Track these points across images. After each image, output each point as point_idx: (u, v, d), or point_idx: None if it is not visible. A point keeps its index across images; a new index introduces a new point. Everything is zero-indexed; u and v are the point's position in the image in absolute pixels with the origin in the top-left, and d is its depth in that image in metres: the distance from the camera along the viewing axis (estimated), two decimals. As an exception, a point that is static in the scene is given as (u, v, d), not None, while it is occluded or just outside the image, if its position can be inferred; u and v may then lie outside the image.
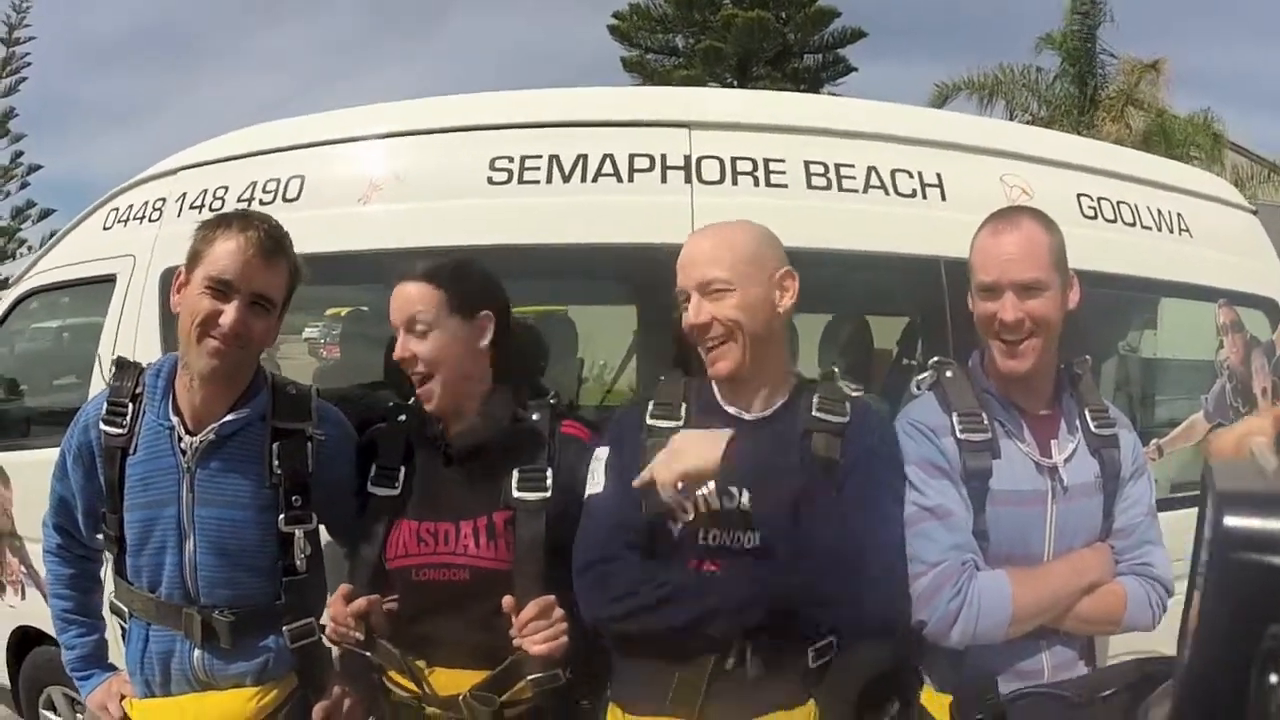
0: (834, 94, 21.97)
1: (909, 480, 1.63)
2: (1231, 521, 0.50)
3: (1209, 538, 0.54)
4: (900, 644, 1.69)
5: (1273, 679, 0.47)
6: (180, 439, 1.62)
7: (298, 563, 1.67)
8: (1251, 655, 0.48)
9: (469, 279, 1.70)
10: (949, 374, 1.72)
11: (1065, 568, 1.62)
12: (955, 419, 1.64)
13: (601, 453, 1.60)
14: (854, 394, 1.65)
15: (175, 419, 1.63)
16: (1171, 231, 2.74)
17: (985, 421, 1.64)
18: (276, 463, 1.65)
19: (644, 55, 21.69)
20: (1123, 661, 1.72)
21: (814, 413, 1.57)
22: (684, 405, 1.61)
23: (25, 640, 3.01)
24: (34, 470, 2.73)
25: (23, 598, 2.98)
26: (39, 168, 24.57)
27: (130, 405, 1.66)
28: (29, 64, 23.57)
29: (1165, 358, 3.10)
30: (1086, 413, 1.71)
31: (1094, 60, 15.77)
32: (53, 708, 3.05)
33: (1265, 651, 0.47)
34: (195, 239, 1.61)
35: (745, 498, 1.53)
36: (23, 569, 2.96)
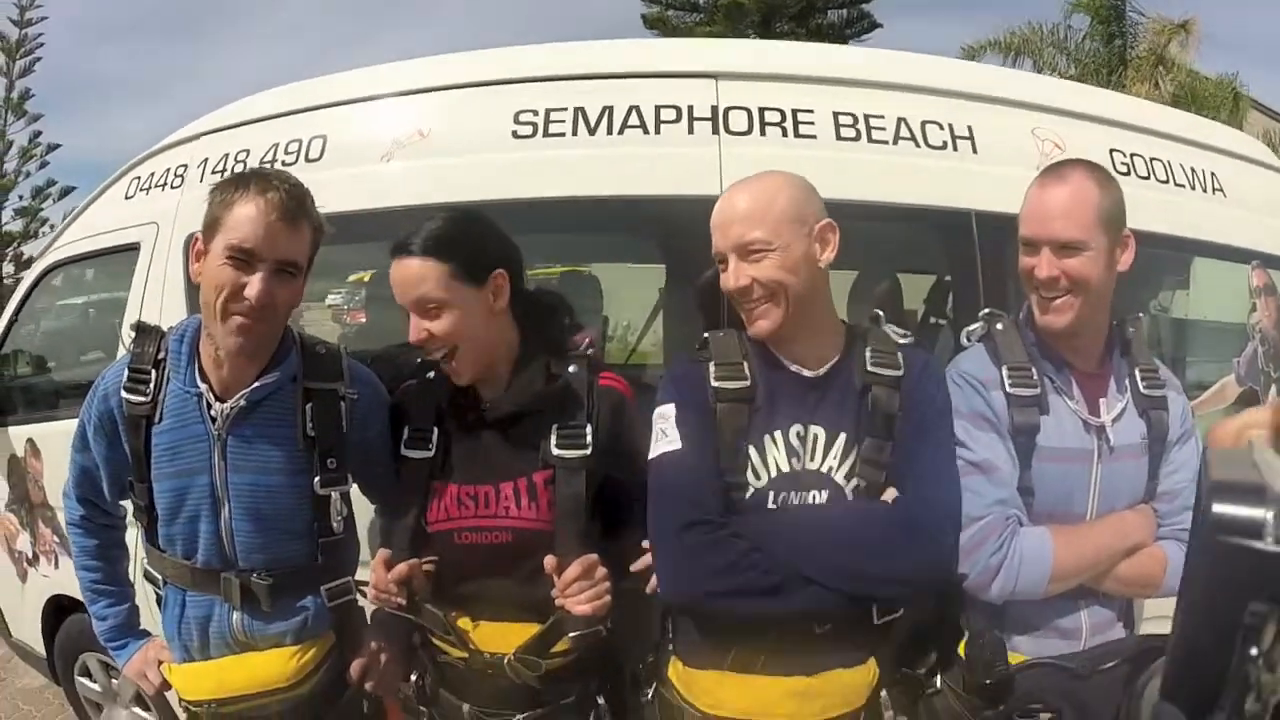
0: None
1: (955, 434, 1.61)
2: (1218, 508, 0.55)
3: (1198, 522, 0.60)
4: (945, 596, 1.69)
5: (1253, 651, 0.52)
6: (210, 406, 1.58)
7: (334, 524, 1.66)
8: (1234, 630, 0.53)
9: (472, 241, 1.62)
10: (999, 326, 1.68)
11: (1108, 528, 1.61)
12: (1005, 372, 1.61)
13: (668, 410, 1.54)
14: (903, 342, 1.61)
15: (203, 386, 1.59)
16: (1205, 190, 2.68)
17: (1035, 376, 1.61)
18: (310, 424, 1.62)
19: (665, 11, 21.25)
20: (1125, 636, 1.71)
21: (869, 368, 1.54)
22: (745, 364, 1.56)
23: (60, 609, 3.05)
24: (64, 440, 2.83)
25: (56, 567, 3.02)
26: (58, 146, 24.67)
27: (153, 372, 1.61)
28: (42, 44, 23.67)
29: (1196, 319, 3.04)
30: (1137, 372, 1.67)
31: (1123, 19, 15.49)
32: (88, 674, 3.10)
33: (1246, 626, 0.53)
34: (212, 203, 1.54)
35: (815, 455, 1.53)
36: (55, 538, 2.98)
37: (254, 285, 1.48)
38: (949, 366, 1.70)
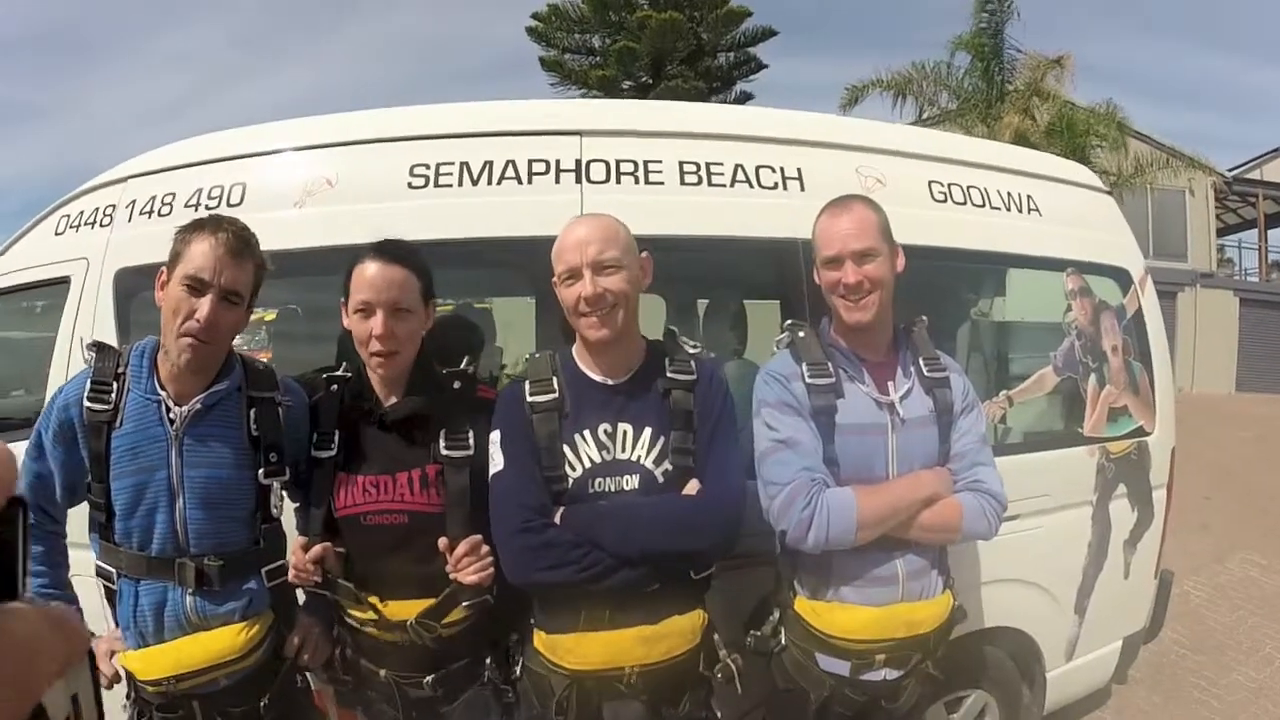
0: (746, 90, 22.31)
1: (764, 420, 1.97)
2: None
3: None
4: (773, 563, 2.05)
5: None
6: (169, 410, 1.85)
7: (273, 511, 1.95)
8: None
9: (429, 270, 1.97)
10: (801, 334, 2.08)
11: (904, 482, 1.96)
12: (805, 367, 2.00)
13: (495, 435, 1.89)
14: (694, 352, 1.98)
15: (162, 393, 1.86)
16: (1021, 211, 3.08)
17: (830, 369, 1.99)
18: (254, 426, 1.91)
19: (561, 55, 21.82)
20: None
21: (669, 373, 1.91)
22: (554, 380, 1.92)
23: None
24: None
25: None
26: None
27: (114, 384, 1.86)
28: None
29: (1014, 320, 3.45)
30: (920, 360, 2.07)
31: (1001, 56, 16.36)
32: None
33: None
34: (175, 241, 1.84)
35: (625, 447, 1.87)
36: None
37: (203, 308, 1.78)
38: (762, 368, 2.08)
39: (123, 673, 1.90)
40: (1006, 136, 14.11)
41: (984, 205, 2.98)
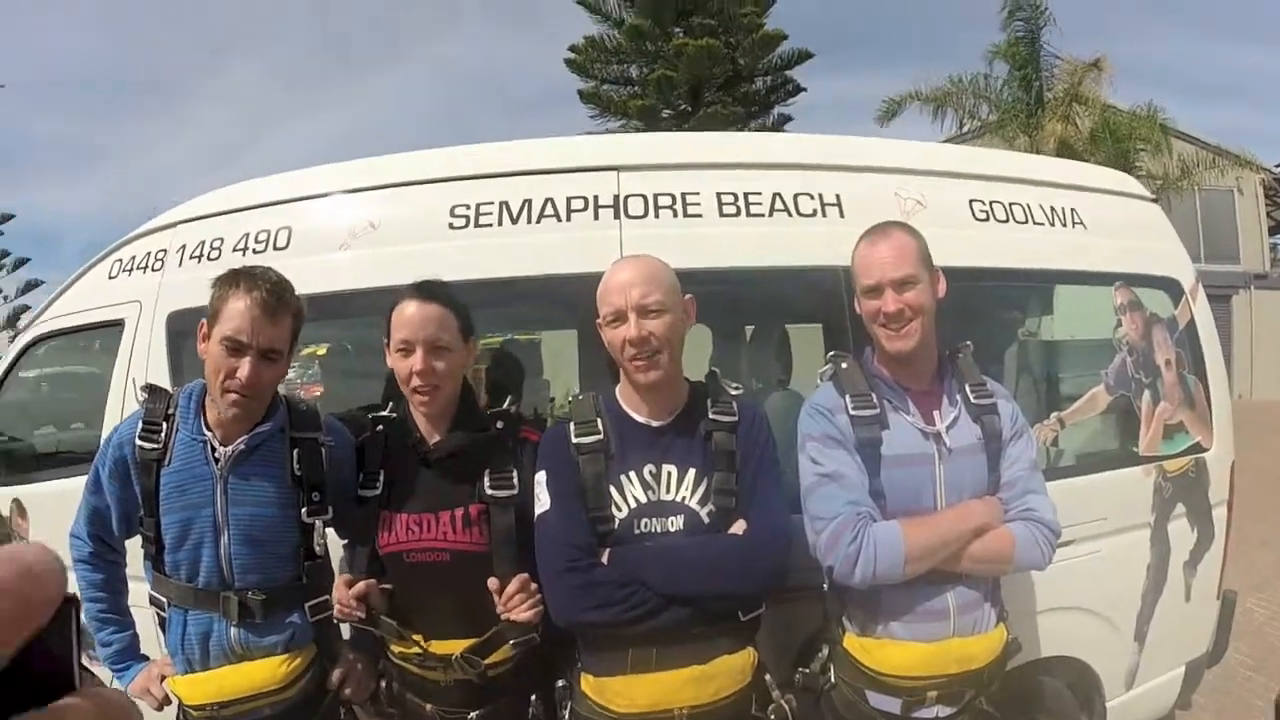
0: (785, 114, 22.26)
1: (809, 454, 1.96)
2: None
3: None
4: (821, 598, 2.03)
5: None
6: (214, 450, 1.92)
7: (316, 548, 1.99)
8: None
9: (466, 308, 2.01)
10: (844, 365, 2.06)
11: (952, 513, 1.93)
12: (848, 399, 1.98)
13: (540, 476, 1.90)
14: (736, 393, 1.98)
15: (209, 434, 1.93)
16: (1065, 225, 3.00)
17: (874, 400, 1.97)
18: (297, 465, 1.96)
19: (599, 86, 21.95)
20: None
21: (711, 415, 1.91)
22: (599, 421, 1.93)
23: None
24: (49, 500, 3.04)
25: None
26: (11, 217, 24.51)
27: (164, 424, 1.94)
28: None
29: (1063, 339, 3.36)
30: (966, 387, 2.03)
31: (1038, 64, 16.17)
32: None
33: None
34: (212, 296, 1.91)
35: (670, 488, 1.87)
36: None
37: (244, 369, 1.85)
38: (806, 401, 2.06)
39: (173, 696, 1.96)
40: (1051, 145, 13.89)
41: (1027, 221, 2.93)
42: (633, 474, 1.87)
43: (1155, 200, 3.53)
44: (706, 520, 1.85)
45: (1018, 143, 15.40)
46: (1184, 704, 3.28)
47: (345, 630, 2.08)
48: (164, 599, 1.97)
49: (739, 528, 1.84)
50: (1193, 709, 3.64)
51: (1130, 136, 14.98)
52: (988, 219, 2.85)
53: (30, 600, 0.42)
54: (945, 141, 17.31)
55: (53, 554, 0.44)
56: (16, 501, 3.24)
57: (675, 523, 1.85)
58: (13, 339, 3.59)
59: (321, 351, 3.75)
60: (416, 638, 1.91)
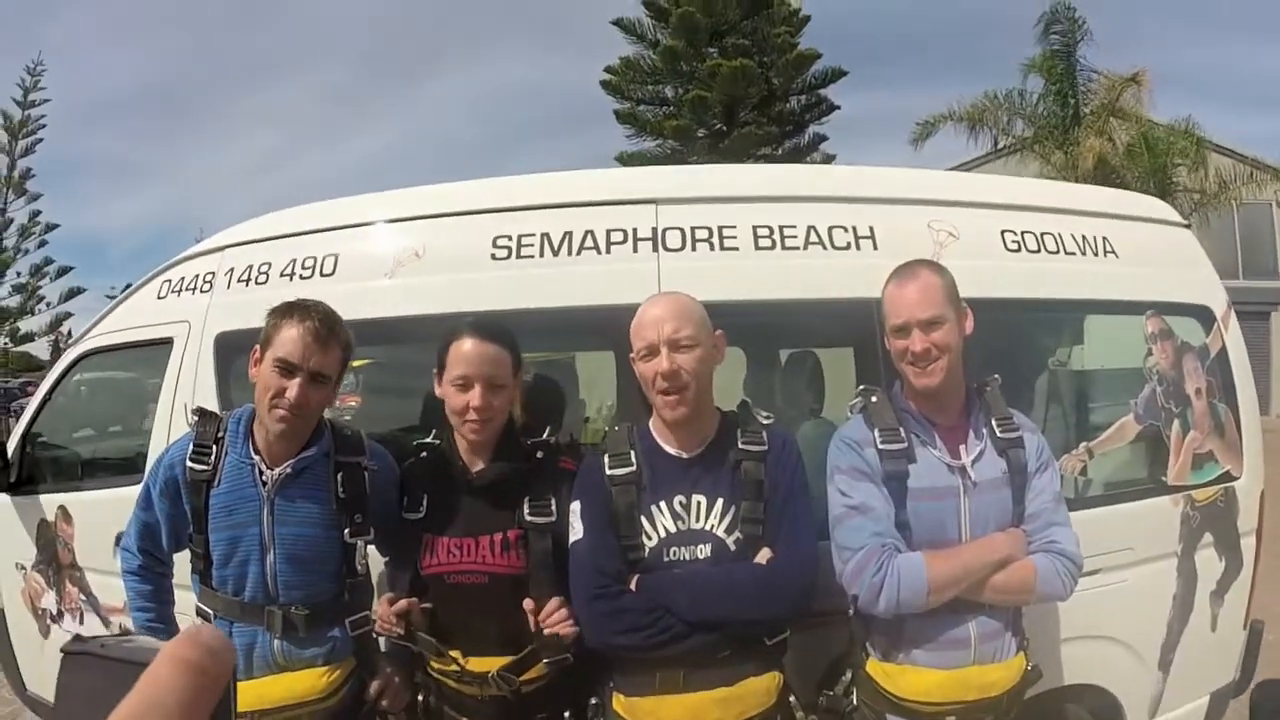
0: (819, 133, 22.27)
1: (838, 486, 2.02)
2: None
3: None
4: (846, 623, 2.09)
5: None
6: (261, 473, 2.02)
7: (358, 567, 2.09)
8: None
9: (518, 346, 2.10)
10: (874, 399, 2.12)
11: (977, 546, 1.98)
12: (877, 434, 2.04)
13: (575, 506, 1.99)
14: (767, 423, 2.05)
15: (257, 457, 2.03)
16: (1096, 254, 3.00)
17: (903, 434, 2.03)
18: (341, 489, 2.06)
19: (635, 107, 22.11)
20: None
21: (741, 445, 1.98)
22: (632, 453, 2.01)
23: None
24: (93, 508, 3.16)
25: (81, 623, 3.34)
26: (56, 226, 24.97)
27: (214, 446, 2.05)
28: (45, 124, 24.07)
29: (1093, 368, 3.37)
30: (993, 421, 2.08)
31: (1075, 78, 16.03)
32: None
33: None
34: (266, 325, 2.02)
35: (699, 517, 1.94)
36: (82, 596, 3.32)
37: (293, 389, 1.96)
38: (835, 434, 2.12)
39: None
40: (1090, 161, 13.72)
41: (1058, 251, 2.94)
42: (663, 504, 1.95)
43: (1188, 225, 3.50)
44: (733, 548, 1.92)
45: (1054, 159, 15.25)
46: (1210, 732, 3.28)
47: (383, 644, 2.16)
48: (210, 611, 2.07)
49: (764, 555, 1.91)
50: (1219, 737, 3.62)
51: (1168, 151, 14.77)
52: (1019, 249, 2.87)
53: (218, 678, 0.49)
54: (980, 159, 17.19)
55: (224, 635, 0.53)
56: (62, 508, 3.37)
57: (703, 550, 1.92)
58: (55, 343, 3.73)
59: (360, 364, 3.86)
60: (454, 654, 1.99)
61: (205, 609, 2.08)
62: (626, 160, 20.72)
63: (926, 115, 16.55)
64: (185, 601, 2.20)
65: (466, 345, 2.01)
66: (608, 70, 22.22)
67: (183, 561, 2.16)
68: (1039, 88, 16.33)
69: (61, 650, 0.59)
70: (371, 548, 2.18)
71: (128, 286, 3.74)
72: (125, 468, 3.29)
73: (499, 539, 2.01)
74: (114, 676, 0.51)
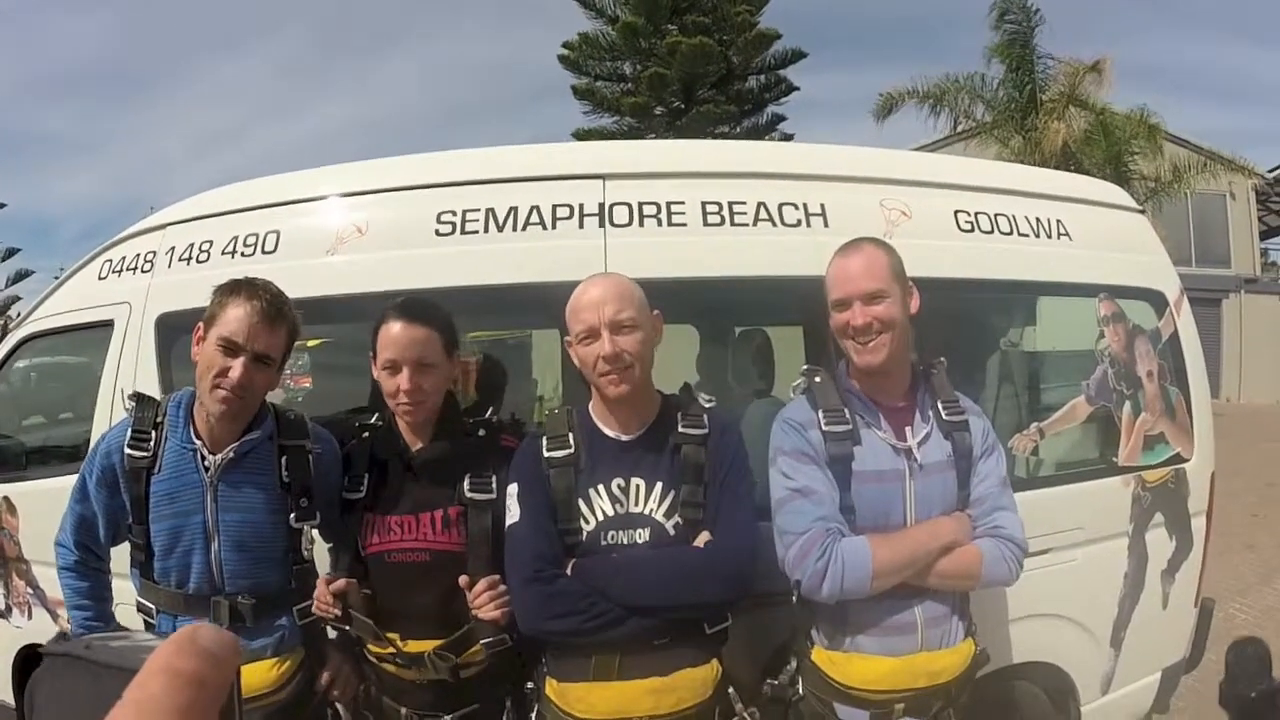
0: (778, 113, 22.31)
1: (780, 468, 1.98)
2: None
3: None
4: (791, 611, 2.05)
5: None
6: (204, 458, 1.95)
7: (305, 553, 2.04)
8: None
9: (452, 325, 2.05)
10: (817, 379, 2.08)
11: (921, 530, 1.95)
12: (821, 415, 2.00)
13: (512, 488, 1.95)
14: (709, 406, 2.01)
15: (198, 442, 1.96)
16: (1050, 237, 3.01)
17: (847, 415, 1.99)
18: (285, 473, 2.01)
19: (594, 82, 21.94)
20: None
21: (680, 428, 1.94)
22: (570, 434, 1.96)
23: (29, 660, 3.19)
24: (39, 498, 3.04)
25: (29, 618, 3.24)
26: (3, 206, 24.25)
27: (153, 432, 1.97)
28: None
29: (1046, 350, 3.39)
30: (939, 404, 2.05)
31: (1032, 65, 16.12)
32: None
33: None
34: (211, 302, 1.94)
35: (638, 501, 1.90)
36: (29, 590, 3.22)
37: (236, 369, 1.88)
38: (778, 415, 2.08)
39: None
40: (1056, 142, 13.85)
41: (1012, 233, 2.94)
42: (601, 487, 1.91)
43: (1142, 211, 3.53)
44: (672, 532, 1.88)
45: (1012, 143, 15.38)
46: (1161, 708, 3.31)
47: (330, 633, 2.11)
48: (152, 606, 1.99)
49: (703, 539, 1.87)
50: (1171, 713, 3.66)
51: (1124, 139, 14.95)
52: (973, 230, 2.86)
53: (219, 688, 0.44)
54: (941, 140, 17.32)
55: (227, 635, 0.47)
56: (5, 498, 3.26)
57: (641, 535, 1.88)
58: (2, 327, 3.59)
59: (313, 344, 3.77)
60: (392, 636, 1.95)
61: (146, 603, 2.01)
62: (582, 137, 20.54)
63: (890, 89, 16.50)
64: (125, 592, 2.12)
65: (394, 329, 1.96)
66: (566, 45, 22.04)
67: (120, 555, 2.07)
68: (1000, 74, 16.42)
69: (40, 651, 0.54)
70: (316, 532, 2.13)
71: (75, 267, 3.61)
72: (72, 455, 3.16)
73: (440, 515, 1.98)
74: (101, 684, 0.46)
